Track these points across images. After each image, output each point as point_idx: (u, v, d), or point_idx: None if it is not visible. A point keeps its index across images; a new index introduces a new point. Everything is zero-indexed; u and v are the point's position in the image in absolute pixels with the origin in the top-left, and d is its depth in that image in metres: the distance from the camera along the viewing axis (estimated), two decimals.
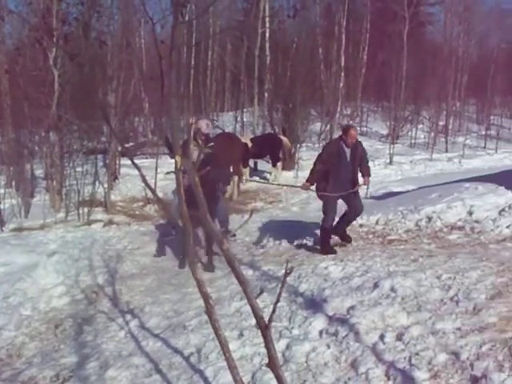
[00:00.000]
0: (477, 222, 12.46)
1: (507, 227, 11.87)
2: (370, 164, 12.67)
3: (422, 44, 49.17)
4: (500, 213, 12.70)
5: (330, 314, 8.13)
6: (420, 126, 39.75)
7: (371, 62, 43.81)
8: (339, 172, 11.65)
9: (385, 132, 37.53)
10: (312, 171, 11.99)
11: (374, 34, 44.03)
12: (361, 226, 13.10)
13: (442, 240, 11.54)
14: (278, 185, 15.46)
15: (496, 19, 55.74)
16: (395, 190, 20.92)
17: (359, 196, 12.07)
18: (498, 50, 54.03)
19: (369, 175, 12.16)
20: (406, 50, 40.33)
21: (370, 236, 12.41)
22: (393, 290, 8.43)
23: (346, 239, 12.21)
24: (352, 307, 8.14)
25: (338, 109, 37.37)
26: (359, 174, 12.00)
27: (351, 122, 39.04)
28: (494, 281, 8.44)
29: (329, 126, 34.21)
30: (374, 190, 20.64)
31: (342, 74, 39.75)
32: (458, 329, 7.22)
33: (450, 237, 11.78)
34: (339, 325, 7.77)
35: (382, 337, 7.32)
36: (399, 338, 7.24)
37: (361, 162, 12.00)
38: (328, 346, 7.45)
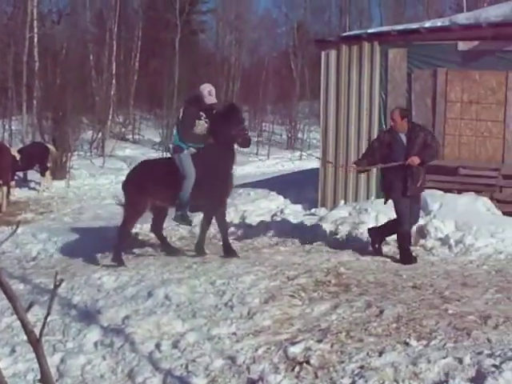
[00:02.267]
0: (249, 226, 12.67)
1: (278, 231, 12.15)
2: None
3: (194, 52, 49.67)
4: (272, 217, 13.00)
5: (105, 324, 7.92)
6: None
7: (143, 69, 43.83)
8: (390, 161, 10.33)
9: (158, 140, 37.49)
10: (362, 156, 10.94)
11: (146, 42, 44.04)
12: (136, 234, 12.94)
13: (216, 246, 11.59)
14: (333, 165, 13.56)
15: (267, 28, 57.46)
16: None
17: (420, 201, 10.90)
18: (269, 58, 55.72)
19: (421, 157, 10.17)
20: (178, 58, 40.63)
21: (145, 244, 12.27)
22: (167, 297, 8.35)
23: (379, 252, 10.89)
24: (127, 317, 7.97)
25: (110, 116, 37.03)
26: None
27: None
28: (268, 284, 8.58)
29: (100, 134, 33.75)
30: None
31: (114, 81, 39.47)
32: (234, 333, 7.25)
33: None
34: (114, 335, 7.59)
35: (158, 345, 7.22)
36: (175, 345, 7.17)
37: (423, 150, 10.27)
38: (104, 358, 7.25)
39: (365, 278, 9.05)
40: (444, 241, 11.24)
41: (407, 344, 6.59)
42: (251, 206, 13.67)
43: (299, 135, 44.91)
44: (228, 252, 10.67)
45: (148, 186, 10.84)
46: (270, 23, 58.32)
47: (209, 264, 9.93)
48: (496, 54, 12.75)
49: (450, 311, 7.59)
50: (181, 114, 10.92)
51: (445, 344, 6.55)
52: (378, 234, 10.95)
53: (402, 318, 7.34)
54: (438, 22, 13.73)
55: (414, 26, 14.02)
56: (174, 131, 11.04)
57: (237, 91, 50.01)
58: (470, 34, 13.00)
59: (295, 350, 6.58)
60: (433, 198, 12.22)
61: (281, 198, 14.04)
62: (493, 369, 5.87)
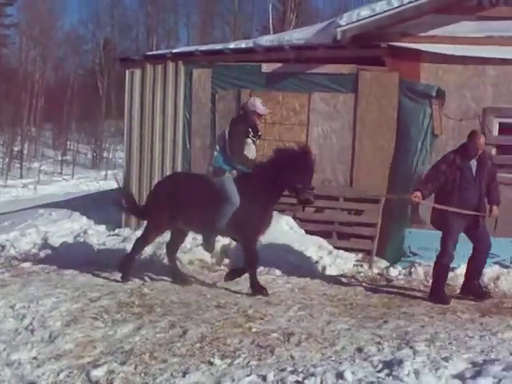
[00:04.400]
0: (52, 248, 12.35)
1: (82, 252, 11.90)
2: None
3: None
4: (75, 238, 12.72)
5: None
6: None
7: None
8: (460, 193, 9.59)
9: None
10: (424, 181, 9.92)
11: None
12: None
13: (17, 268, 11.20)
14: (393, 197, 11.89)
15: (73, 45, 56.67)
16: None
17: (485, 226, 9.90)
18: (74, 76, 54.97)
19: (498, 203, 9.87)
20: None
21: None
22: None
23: (481, 295, 9.93)
24: None
25: None
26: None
27: None
28: (69, 307, 8.39)
29: None
30: None
31: None
32: (35, 358, 6.98)
33: (25, 265, 11.49)
34: None
35: None
36: None
37: (490, 182, 9.81)
38: None
39: (168, 298, 9.08)
40: None
41: (211, 363, 6.58)
42: (53, 227, 13.33)
43: (105, 154, 44.48)
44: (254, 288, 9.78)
45: (175, 204, 10.05)
46: (75, 40, 57.56)
47: (8, 287, 9.57)
48: (299, 76, 13.06)
49: (254, 329, 7.72)
50: (226, 133, 9.94)
51: (248, 362, 6.61)
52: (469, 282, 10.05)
53: (206, 338, 7.38)
54: (243, 44, 13.94)
55: (219, 46, 14.16)
56: (215, 153, 10.03)
57: (41, 109, 48.96)
58: (273, 56, 13.26)
59: (98, 373, 6.42)
60: None
61: (84, 218, 13.78)
62: None
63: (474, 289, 9.95)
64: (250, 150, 9.95)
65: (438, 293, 9.70)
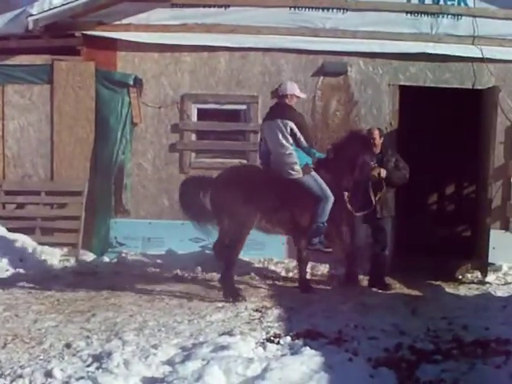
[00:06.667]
0: None
1: None
2: None
3: None
4: None
5: None
6: None
7: None
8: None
9: None
10: None
11: None
12: None
13: None
14: None
15: None
16: None
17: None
18: None
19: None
20: None
21: None
22: None
23: (387, 287, 10.39)
24: None
25: None
26: None
27: None
28: None
29: None
30: None
31: None
32: None
33: None
34: None
35: None
36: None
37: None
38: None
39: None
40: None
41: None
42: None
43: None
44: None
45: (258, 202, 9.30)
46: None
47: None
48: None
49: None
50: (293, 126, 9.38)
51: None
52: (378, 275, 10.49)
53: None
54: None
55: None
56: (292, 152, 9.37)
57: None
58: None
59: None
60: None
61: None
62: None
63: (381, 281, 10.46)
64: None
65: (384, 279, 10.45)
